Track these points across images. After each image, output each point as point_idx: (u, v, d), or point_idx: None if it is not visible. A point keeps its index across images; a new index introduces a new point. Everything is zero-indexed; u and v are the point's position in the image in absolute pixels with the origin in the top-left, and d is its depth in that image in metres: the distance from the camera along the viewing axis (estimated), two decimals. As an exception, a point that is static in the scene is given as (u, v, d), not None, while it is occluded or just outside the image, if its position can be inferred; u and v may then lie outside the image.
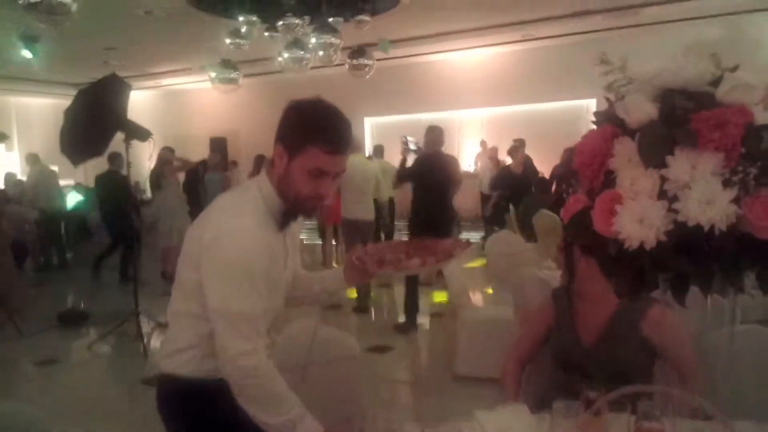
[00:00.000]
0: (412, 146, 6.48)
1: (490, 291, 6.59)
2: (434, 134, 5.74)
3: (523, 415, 1.73)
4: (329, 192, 1.63)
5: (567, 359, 2.16)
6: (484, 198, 10.49)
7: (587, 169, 1.26)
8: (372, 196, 6.68)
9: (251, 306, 1.54)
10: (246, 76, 9.08)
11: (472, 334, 4.25)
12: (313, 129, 1.56)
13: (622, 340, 2.04)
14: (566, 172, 6.61)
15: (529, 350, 2.31)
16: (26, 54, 9.40)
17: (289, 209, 1.65)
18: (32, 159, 10.04)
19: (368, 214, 6.61)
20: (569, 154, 8.05)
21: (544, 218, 6.38)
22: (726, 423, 1.12)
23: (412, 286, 5.70)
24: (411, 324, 5.66)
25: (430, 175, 5.54)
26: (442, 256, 1.66)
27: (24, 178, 13.18)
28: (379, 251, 1.75)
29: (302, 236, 8.46)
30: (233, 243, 1.53)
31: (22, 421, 1.63)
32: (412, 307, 5.69)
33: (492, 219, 9.84)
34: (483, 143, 11.77)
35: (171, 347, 1.71)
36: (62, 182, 11.35)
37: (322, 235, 8.80)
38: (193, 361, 1.65)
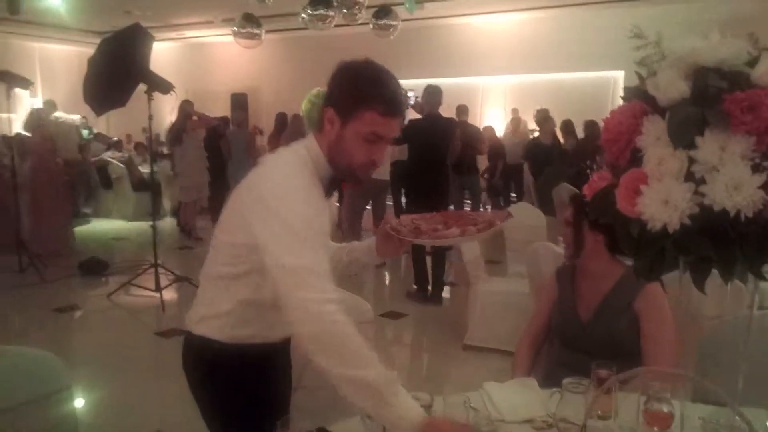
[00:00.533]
0: (411, 101, 6.26)
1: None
2: (432, 95, 5.53)
3: (532, 389, 1.74)
4: (383, 158, 1.56)
5: (565, 334, 2.19)
6: (506, 167, 10.38)
7: (614, 145, 1.23)
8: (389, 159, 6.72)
9: (322, 260, 1.43)
10: (269, 31, 8.98)
11: (484, 305, 4.26)
12: (369, 91, 1.49)
13: (615, 315, 2.05)
14: (584, 147, 6.51)
15: (540, 331, 2.31)
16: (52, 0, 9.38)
17: (338, 176, 1.59)
18: (50, 106, 9.98)
19: (386, 174, 6.67)
20: (591, 127, 7.96)
21: (564, 192, 6.31)
22: (737, 410, 1.12)
23: (419, 256, 5.61)
24: (421, 294, 5.63)
25: (426, 137, 5.36)
26: (483, 227, 1.59)
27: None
28: (414, 221, 1.68)
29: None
30: (296, 200, 1.45)
31: (40, 366, 1.67)
32: (420, 277, 5.65)
33: (496, 189, 9.73)
34: (514, 111, 11.44)
35: (205, 311, 1.66)
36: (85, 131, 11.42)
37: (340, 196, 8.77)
38: (227, 327, 1.61)
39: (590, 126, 8.12)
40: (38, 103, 14.73)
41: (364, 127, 1.49)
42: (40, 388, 1.63)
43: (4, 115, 7.10)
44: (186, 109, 7.67)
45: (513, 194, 10.29)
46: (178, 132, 7.73)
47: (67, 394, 1.68)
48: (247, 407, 1.67)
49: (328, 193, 1.61)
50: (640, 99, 1.22)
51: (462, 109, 8.24)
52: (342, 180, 1.61)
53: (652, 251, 1.13)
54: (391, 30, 8.11)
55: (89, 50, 5.27)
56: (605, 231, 1.99)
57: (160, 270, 5.64)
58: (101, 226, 9.26)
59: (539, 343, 2.31)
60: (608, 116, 1.28)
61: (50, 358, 1.68)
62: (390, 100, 1.49)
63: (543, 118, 8.91)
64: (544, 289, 2.39)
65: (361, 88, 1.50)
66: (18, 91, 6.53)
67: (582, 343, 2.10)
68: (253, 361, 1.63)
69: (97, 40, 5.22)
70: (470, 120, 8.57)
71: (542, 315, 2.32)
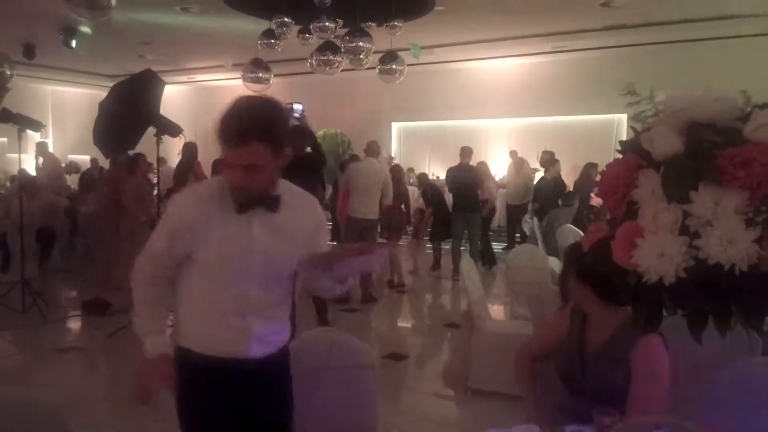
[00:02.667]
0: (296, 114, 5.99)
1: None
2: (297, 136, 5.29)
3: (534, 437, 1.73)
4: (240, 182, 1.72)
5: (565, 373, 2.18)
6: (510, 208, 10.40)
7: (610, 198, 1.26)
8: (378, 198, 6.82)
9: (158, 247, 1.83)
10: (277, 75, 9.17)
11: (487, 347, 4.21)
12: (219, 124, 1.73)
13: (611, 366, 2.02)
14: (580, 188, 6.46)
15: (540, 347, 2.35)
16: (66, 45, 9.62)
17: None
18: (42, 149, 9.63)
19: (370, 213, 6.78)
20: (588, 169, 8.01)
21: (569, 233, 6.33)
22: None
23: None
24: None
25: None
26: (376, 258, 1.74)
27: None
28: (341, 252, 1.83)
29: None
30: (171, 204, 1.89)
31: (40, 411, 1.68)
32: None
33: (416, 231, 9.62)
34: (513, 153, 11.55)
35: (174, 320, 1.95)
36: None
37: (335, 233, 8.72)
38: (180, 334, 1.90)
39: (588, 168, 8.19)
40: (49, 144, 14.96)
41: (225, 156, 1.74)
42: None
43: (15, 156, 7.22)
44: (191, 151, 7.67)
45: (518, 235, 10.30)
46: (183, 173, 7.77)
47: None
48: (191, 420, 1.88)
49: (239, 209, 1.78)
50: (635, 153, 1.26)
51: (463, 152, 8.39)
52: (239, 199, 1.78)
53: (648, 302, 1.15)
54: (397, 74, 8.26)
55: (100, 93, 5.40)
56: (591, 282, 2.00)
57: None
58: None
59: (535, 359, 2.36)
60: (605, 168, 1.32)
61: (49, 403, 1.69)
62: (229, 131, 1.70)
63: (549, 161, 9.04)
64: (557, 316, 2.37)
65: (219, 122, 1.73)
66: (29, 132, 6.64)
67: (580, 386, 2.09)
68: (201, 373, 1.86)
69: (109, 83, 5.36)
70: (474, 161, 8.69)
71: (543, 338, 2.37)
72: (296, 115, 5.41)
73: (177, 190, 7.23)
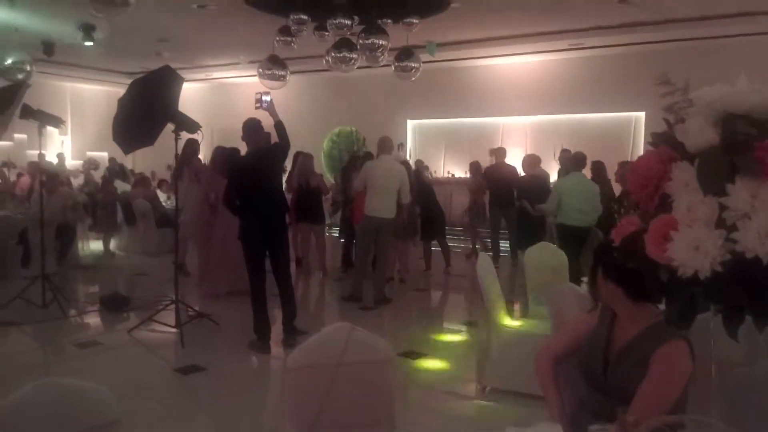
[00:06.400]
0: (264, 105, 5.87)
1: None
2: (251, 131, 5.53)
3: (557, 435, 1.71)
4: None
5: (586, 368, 2.15)
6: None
7: (642, 190, 1.23)
8: (395, 197, 6.71)
9: None
10: (293, 72, 9.18)
11: (505, 346, 4.19)
12: None
13: (632, 366, 1.98)
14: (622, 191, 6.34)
15: (564, 346, 2.30)
16: (84, 42, 9.71)
17: None
18: None
19: (387, 213, 6.69)
20: (624, 168, 7.91)
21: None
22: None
23: (259, 301, 5.23)
24: (260, 344, 5.22)
25: (250, 172, 5.29)
26: None
27: (75, 162, 13.61)
28: None
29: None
30: None
31: (92, 399, 1.72)
32: (260, 324, 5.26)
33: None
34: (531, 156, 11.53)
35: None
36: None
37: (347, 233, 8.62)
38: None
39: (596, 166, 8.06)
40: (68, 141, 15.12)
41: None
42: (91, 420, 1.69)
43: (36, 152, 7.30)
44: (192, 147, 7.46)
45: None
46: (179, 166, 7.67)
47: (116, 426, 1.72)
48: None
49: None
50: (668, 145, 1.23)
51: (498, 152, 9.19)
52: None
53: (682, 298, 1.12)
54: (413, 71, 8.24)
55: (118, 90, 5.43)
56: (621, 279, 1.97)
57: (181, 306, 5.65)
58: (125, 260, 9.36)
59: (558, 359, 2.30)
60: (634, 160, 1.29)
61: (103, 392, 1.70)
62: None
63: (566, 159, 9.02)
64: (584, 316, 2.34)
65: None
66: (49, 128, 6.70)
67: (601, 384, 2.06)
68: None
69: (127, 81, 5.38)
70: (494, 159, 8.78)
71: (569, 335, 2.31)
72: (264, 106, 5.35)
73: (174, 184, 7.09)
